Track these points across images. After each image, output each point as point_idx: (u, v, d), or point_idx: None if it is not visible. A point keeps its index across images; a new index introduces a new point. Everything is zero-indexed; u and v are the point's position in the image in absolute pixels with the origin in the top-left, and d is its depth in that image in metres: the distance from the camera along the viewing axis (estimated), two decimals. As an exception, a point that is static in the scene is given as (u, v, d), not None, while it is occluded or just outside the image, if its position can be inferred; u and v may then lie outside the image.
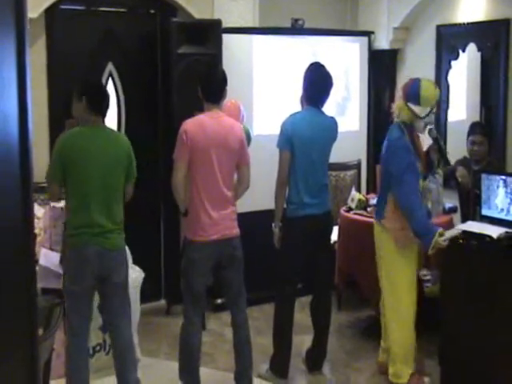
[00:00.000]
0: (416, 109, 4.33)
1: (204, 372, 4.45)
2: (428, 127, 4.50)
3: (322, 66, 4.61)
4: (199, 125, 4.10)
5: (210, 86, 4.20)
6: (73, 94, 4.00)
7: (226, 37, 5.63)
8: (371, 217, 4.85)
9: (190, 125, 4.11)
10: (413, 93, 4.33)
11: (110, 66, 5.75)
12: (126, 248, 4.37)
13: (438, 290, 4.68)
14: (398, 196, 4.35)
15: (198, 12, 5.84)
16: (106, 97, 4.05)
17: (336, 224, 5.34)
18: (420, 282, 5.15)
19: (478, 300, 4.28)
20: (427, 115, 4.38)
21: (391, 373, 4.52)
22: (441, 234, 4.24)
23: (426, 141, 4.55)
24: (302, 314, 5.25)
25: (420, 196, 4.35)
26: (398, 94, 4.53)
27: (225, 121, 4.21)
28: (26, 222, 1.53)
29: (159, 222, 6.07)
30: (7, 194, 1.48)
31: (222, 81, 4.22)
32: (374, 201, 5.01)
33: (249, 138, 4.70)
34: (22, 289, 1.52)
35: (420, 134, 4.47)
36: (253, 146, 4.87)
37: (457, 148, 5.78)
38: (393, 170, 4.34)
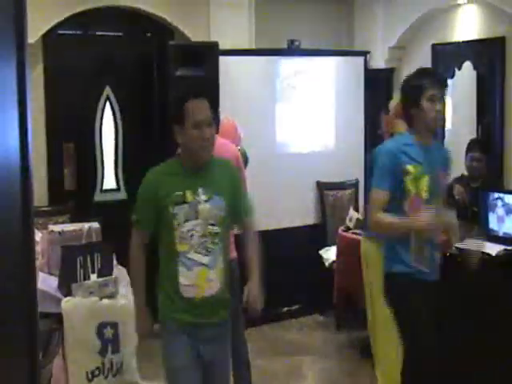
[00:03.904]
0: None
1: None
2: None
3: None
4: None
5: None
6: None
7: (222, 59, 5.66)
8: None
9: None
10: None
11: (107, 90, 5.77)
12: (124, 271, 4.36)
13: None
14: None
15: (195, 34, 5.87)
16: None
17: (334, 244, 5.32)
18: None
19: (477, 317, 4.27)
20: None
21: None
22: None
23: None
24: (300, 335, 5.23)
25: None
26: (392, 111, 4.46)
27: (218, 143, 4.19)
28: (27, 246, 1.52)
29: (156, 242, 6.03)
30: (8, 217, 1.47)
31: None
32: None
33: (246, 160, 4.69)
34: (23, 314, 1.52)
35: None
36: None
37: (454, 165, 5.78)
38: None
